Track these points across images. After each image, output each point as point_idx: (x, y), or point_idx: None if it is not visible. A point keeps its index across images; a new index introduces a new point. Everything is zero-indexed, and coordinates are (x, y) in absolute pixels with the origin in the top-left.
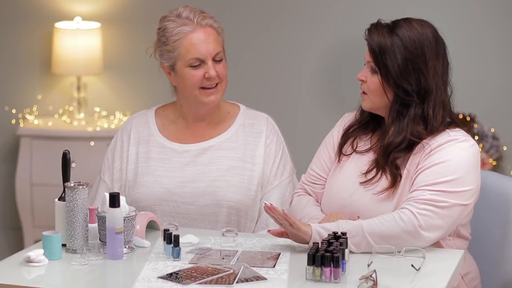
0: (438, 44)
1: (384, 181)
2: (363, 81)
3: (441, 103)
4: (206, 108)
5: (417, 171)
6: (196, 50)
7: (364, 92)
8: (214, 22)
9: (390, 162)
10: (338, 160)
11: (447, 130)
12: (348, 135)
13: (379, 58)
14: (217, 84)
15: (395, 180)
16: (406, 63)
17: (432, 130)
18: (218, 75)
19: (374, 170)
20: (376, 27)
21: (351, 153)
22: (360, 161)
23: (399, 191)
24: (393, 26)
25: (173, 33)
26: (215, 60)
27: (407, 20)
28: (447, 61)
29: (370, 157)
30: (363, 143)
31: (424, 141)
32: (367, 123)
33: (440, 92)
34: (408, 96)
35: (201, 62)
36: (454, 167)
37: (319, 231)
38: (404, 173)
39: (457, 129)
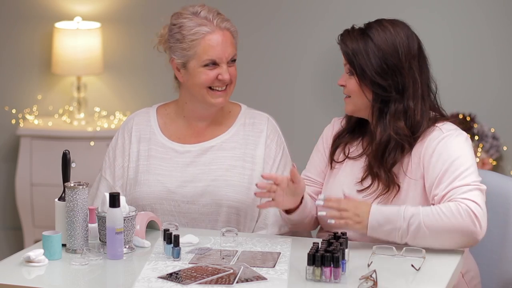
0: (411, 41)
1: (380, 190)
2: (344, 86)
3: (420, 97)
4: (212, 108)
5: (430, 179)
6: (213, 52)
7: (347, 96)
8: (231, 26)
9: (387, 169)
10: (331, 168)
11: (437, 126)
12: (337, 142)
13: (353, 60)
14: (226, 87)
15: (387, 186)
16: (380, 62)
17: (413, 125)
18: (230, 77)
19: (369, 177)
20: (348, 32)
21: (344, 160)
22: (354, 167)
23: (402, 196)
24: (365, 29)
25: (191, 32)
26: (230, 62)
27: (378, 21)
28: (423, 55)
29: (364, 162)
30: (355, 148)
31: (417, 144)
32: (354, 129)
33: (418, 86)
34: (386, 92)
35: (216, 64)
36: (465, 160)
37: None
38: (405, 181)
39: (445, 122)
